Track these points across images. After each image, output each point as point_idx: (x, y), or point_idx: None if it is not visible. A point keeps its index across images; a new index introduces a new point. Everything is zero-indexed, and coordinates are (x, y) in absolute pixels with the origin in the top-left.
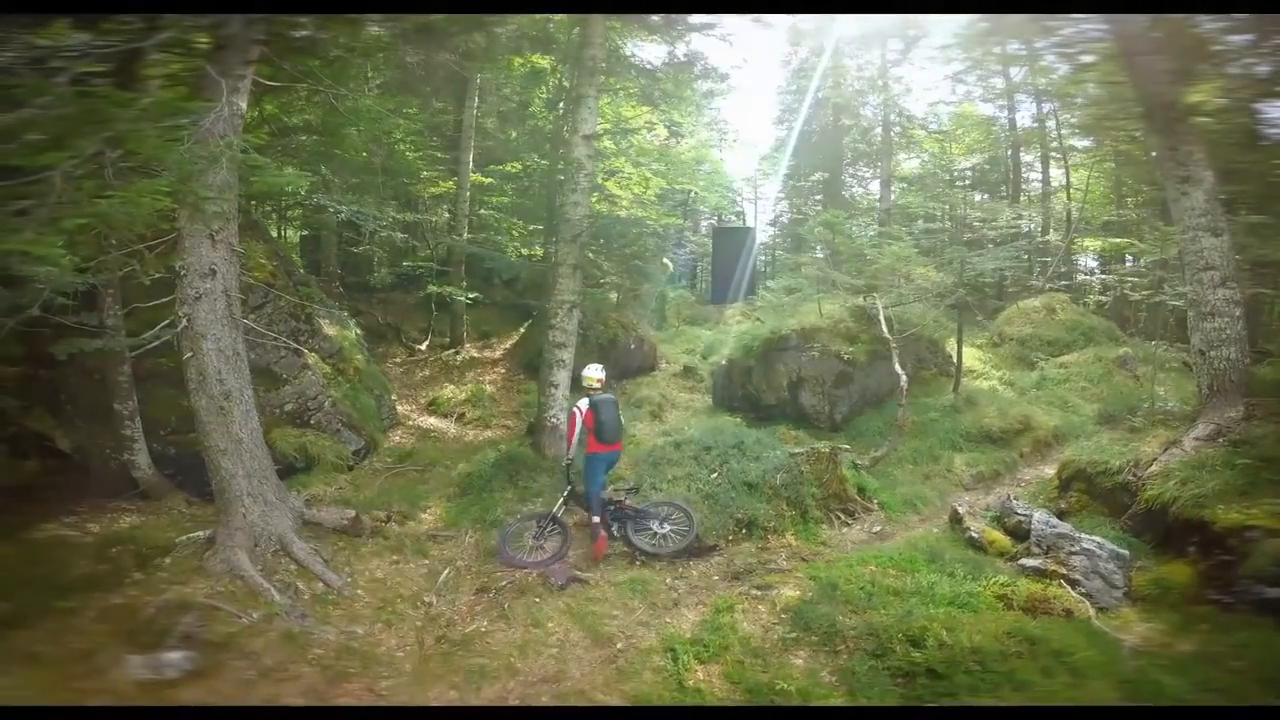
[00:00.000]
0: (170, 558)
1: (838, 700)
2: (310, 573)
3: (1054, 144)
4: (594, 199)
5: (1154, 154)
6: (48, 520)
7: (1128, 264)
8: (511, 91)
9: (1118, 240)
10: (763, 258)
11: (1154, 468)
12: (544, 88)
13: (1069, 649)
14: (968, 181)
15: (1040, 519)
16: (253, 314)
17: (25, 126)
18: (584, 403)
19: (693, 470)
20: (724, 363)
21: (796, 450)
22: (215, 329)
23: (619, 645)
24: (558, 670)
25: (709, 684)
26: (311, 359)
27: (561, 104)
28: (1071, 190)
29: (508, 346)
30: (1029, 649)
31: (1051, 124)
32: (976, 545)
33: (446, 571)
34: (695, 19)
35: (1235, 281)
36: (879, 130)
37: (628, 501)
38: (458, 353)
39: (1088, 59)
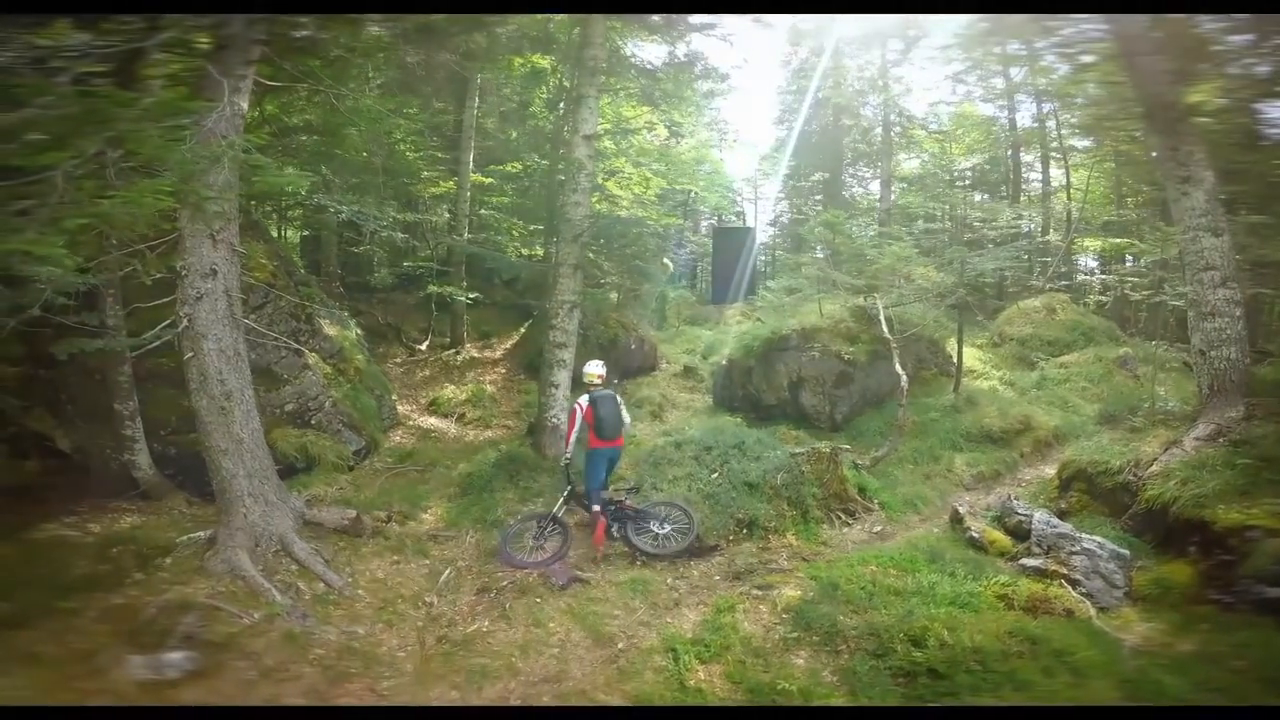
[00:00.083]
0: (171, 558)
1: (839, 700)
2: (311, 573)
3: (1054, 144)
4: (594, 199)
5: (1154, 154)
6: (48, 520)
7: (1128, 264)
8: (512, 91)
9: (1118, 240)
10: (763, 258)
11: (1154, 468)
12: (544, 88)
13: (1070, 649)
14: (968, 181)
15: (1041, 519)
16: (253, 314)
17: (26, 126)
18: (584, 399)
19: (693, 470)
20: (724, 363)
21: (797, 450)
22: (216, 329)
23: (620, 645)
24: (559, 670)
25: (710, 684)
26: (312, 359)
27: (562, 104)
28: (1071, 190)
29: (508, 346)
30: (1030, 649)
31: (1051, 124)
32: (977, 545)
33: (447, 571)
34: (695, 19)
35: (1235, 281)
36: (879, 130)
37: (628, 502)
38: (458, 353)
39: (1088, 59)
